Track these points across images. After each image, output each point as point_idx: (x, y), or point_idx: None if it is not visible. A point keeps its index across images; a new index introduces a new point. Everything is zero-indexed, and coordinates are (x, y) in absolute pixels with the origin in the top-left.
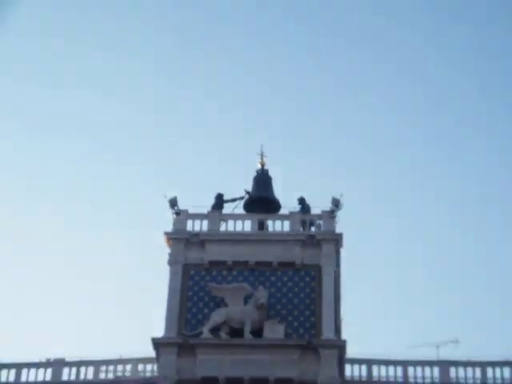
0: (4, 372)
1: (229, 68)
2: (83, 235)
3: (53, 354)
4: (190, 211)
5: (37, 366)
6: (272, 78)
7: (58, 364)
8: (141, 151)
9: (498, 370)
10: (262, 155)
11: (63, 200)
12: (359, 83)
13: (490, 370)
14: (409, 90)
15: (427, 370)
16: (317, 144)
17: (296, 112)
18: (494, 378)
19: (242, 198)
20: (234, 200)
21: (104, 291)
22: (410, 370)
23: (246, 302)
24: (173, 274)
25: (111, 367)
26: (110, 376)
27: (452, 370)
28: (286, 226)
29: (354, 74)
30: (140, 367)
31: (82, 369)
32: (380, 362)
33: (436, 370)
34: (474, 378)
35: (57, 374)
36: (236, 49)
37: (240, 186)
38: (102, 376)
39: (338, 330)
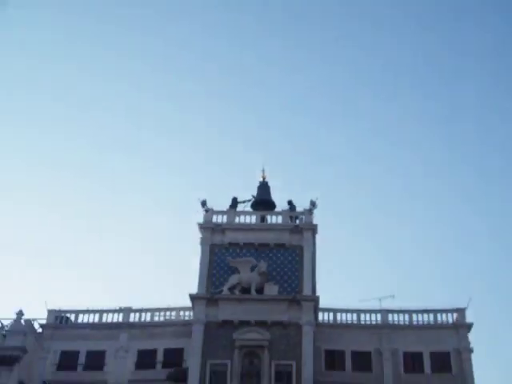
0: (86, 316)
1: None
2: (146, 223)
3: (123, 303)
4: (215, 209)
5: (113, 311)
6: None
7: (126, 310)
8: (183, 167)
9: (420, 315)
10: (263, 171)
11: (135, 197)
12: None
13: (415, 316)
14: None
15: (373, 315)
16: (301, 161)
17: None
18: (418, 321)
19: (249, 200)
20: (244, 202)
21: (159, 264)
22: (362, 315)
23: (252, 270)
24: (203, 252)
25: (162, 313)
26: (162, 319)
27: (390, 315)
28: (280, 219)
29: None
30: (181, 313)
31: (143, 314)
32: (341, 310)
33: (379, 315)
34: (404, 321)
35: (126, 317)
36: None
37: (248, 192)
38: (156, 319)
39: (313, 288)
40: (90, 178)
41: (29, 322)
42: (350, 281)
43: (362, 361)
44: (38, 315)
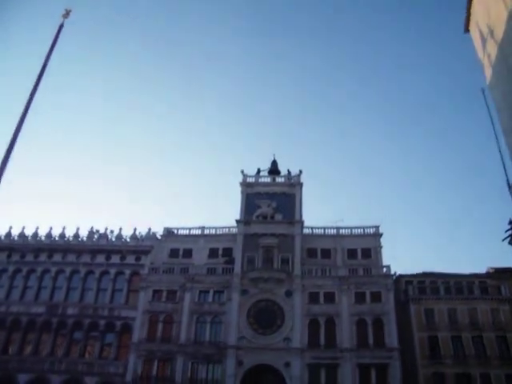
0: (182, 230)
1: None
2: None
3: (200, 223)
4: (248, 174)
5: (196, 228)
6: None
7: (202, 228)
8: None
9: (356, 230)
10: (274, 155)
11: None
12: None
13: (354, 230)
14: None
15: (331, 230)
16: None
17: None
18: (355, 232)
19: (268, 170)
20: (264, 171)
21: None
22: (327, 230)
23: (268, 206)
24: (242, 197)
25: (222, 229)
26: (221, 232)
27: (341, 230)
28: (282, 179)
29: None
30: (231, 230)
31: (212, 229)
32: (315, 227)
33: (335, 230)
34: (347, 232)
35: (202, 231)
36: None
37: (265, 165)
38: (219, 232)
39: (301, 216)
40: (165, 138)
41: (154, 234)
42: (320, 211)
43: (326, 253)
44: (158, 229)
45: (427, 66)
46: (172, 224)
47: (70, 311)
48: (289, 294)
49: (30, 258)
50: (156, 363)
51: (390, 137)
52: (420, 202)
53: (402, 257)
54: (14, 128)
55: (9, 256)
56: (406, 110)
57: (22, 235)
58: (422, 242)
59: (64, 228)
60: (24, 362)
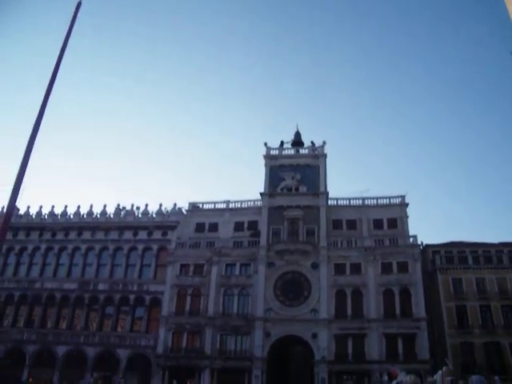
0: (207, 205)
1: None
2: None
3: (225, 198)
4: (272, 147)
5: (220, 202)
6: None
7: (227, 201)
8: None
9: (382, 200)
10: (297, 126)
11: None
12: None
13: (380, 200)
14: None
15: (357, 201)
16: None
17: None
18: (381, 203)
19: (291, 141)
20: (287, 143)
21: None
22: (351, 201)
23: (292, 179)
24: (266, 170)
25: (246, 203)
26: (246, 205)
27: (366, 201)
28: (306, 151)
29: None
30: (256, 203)
31: (237, 203)
32: (340, 198)
33: (360, 200)
34: (373, 202)
35: (227, 204)
36: None
37: (288, 138)
38: (244, 205)
39: (325, 187)
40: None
41: (179, 209)
42: (345, 182)
43: (351, 224)
44: (183, 205)
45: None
46: (197, 199)
47: (100, 287)
48: (315, 265)
49: (60, 236)
50: (185, 335)
51: (415, 104)
52: (447, 170)
53: (429, 227)
54: (39, 105)
55: (40, 235)
56: (433, 79)
57: (51, 214)
58: (450, 212)
59: (91, 206)
60: (60, 336)
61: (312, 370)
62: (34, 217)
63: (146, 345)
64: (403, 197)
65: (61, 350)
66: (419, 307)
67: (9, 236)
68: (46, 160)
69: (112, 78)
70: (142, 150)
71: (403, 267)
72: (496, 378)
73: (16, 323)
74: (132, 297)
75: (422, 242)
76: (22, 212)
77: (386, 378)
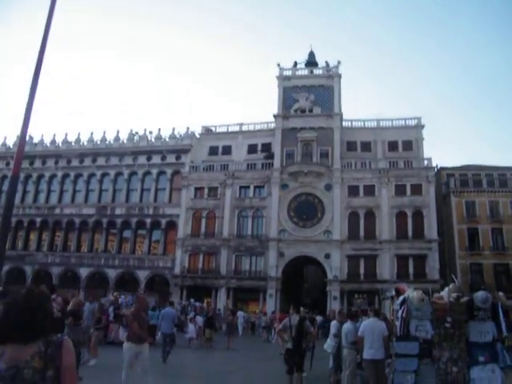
0: (220, 128)
1: None
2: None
3: (237, 121)
4: (285, 67)
5: (233, 125)
6: None
7: (240, 124)
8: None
9: (397, 121)
10: (311, 46)
11: None
12: None
13: (395, 122)
14: None
15: (371, 122)
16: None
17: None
18: (396, 124)
19: (305, 62)
20: (301, 63)
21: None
22: (366, 123)
23: (306, 100)
24: (279, 91)
25: (260, 125)
26: (259, 127)
27: (381, 122)
28: (320, 71)
29: None
30: (269, 125)
31: (250, 126)
32: (355, 120)
33: (374, 122)
34: (388, 124)
35: (240, 127)
36: None
37: (301, 59)
38: (257, 127)
39: (339, 108)
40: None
41: (192, 132)
42: (359, 104)
43: (365, 146)
44: (196, 129)
45: None
46: (210, 123)
47: (117, 211)
48: (328, 187)
49: (75, 163)
50: (201, 257)
51: (433, 24)
52: (463, 92)
53: (444, 150)
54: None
55: (56, 162)
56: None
57: (65, 142)
58: (466, 136)
59: (104, 132)
60: (82, 258)
61: (325, 288)
62: (48, 145)
63: (163, 266)
64: (419, 118)
65: (84, 272)
66: (431, 229)
67: (26, 164)
68: (57, 86)
69: None
70: (152, 76)
71: (417, 189)
72: (501, 293)
73: (40, 247)
74: (148, 220)
75: (436, 165)
76: (36, 141)
77: (393, 293)
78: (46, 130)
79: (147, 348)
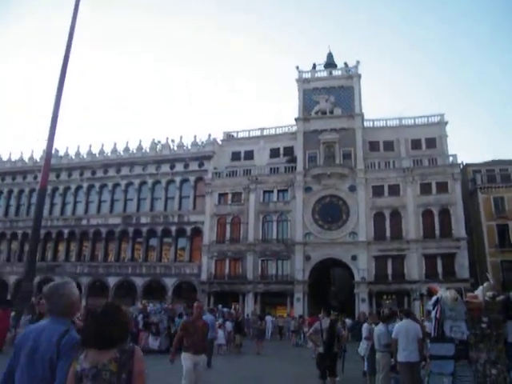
0: (241, 133)
1: None
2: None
3: (259, 125)
4: (304, 70)
5: (255, 130)
6: None
7: (261, 129)
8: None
9: (420, 119)
10: (329, 47)
11: None
12: None
13: (418, 120)
14: None
15: (393, 121)
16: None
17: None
18: (419, 122)
19: (323, 64)
20: (320, 65)
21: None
22: (388, 122)
23: (326, 102)
24: (299, 94)
25: (281, 128)
26: (281, 131)
27: (403, 120)
28: (339, 72)
29: None
30: (291, 128)
31: (271, 130)
32: (377, 120)
33: (397, 121)
34: (412, 122)
35: (261, 132)
36: None
37: (320, 61)
38: (279, 131)
39: (360, 108)
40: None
41: (214, 139)
42: (380, 104)
43: (388, 145)
44: (218, 135)
45: None
46: (231, 129)
47: (143, 220)
48: (352, 188)
49: (100, 173)
50: (227, 262)
51: (454, 21)
52: (486, 86)
53: (469, 147)
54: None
55: (81, 174)
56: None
57: (89, 153)
58: (490, 132)
59: (127, 142)
60: (110, 268)
61: (352, 290)
62: (73, 157)
63: (190, 273)
64: (442, 115)
65: (112, 281)
66: (459, 227)
67: (52, 177)
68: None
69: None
70: (173, 82)
71: (443, 187)
72: None
73: (69, 258)
74: (173, 228)
75: (462, 162)
76: (61, 153)
77: (425, 293)
78: (70, 143)
79: (205, 359)
